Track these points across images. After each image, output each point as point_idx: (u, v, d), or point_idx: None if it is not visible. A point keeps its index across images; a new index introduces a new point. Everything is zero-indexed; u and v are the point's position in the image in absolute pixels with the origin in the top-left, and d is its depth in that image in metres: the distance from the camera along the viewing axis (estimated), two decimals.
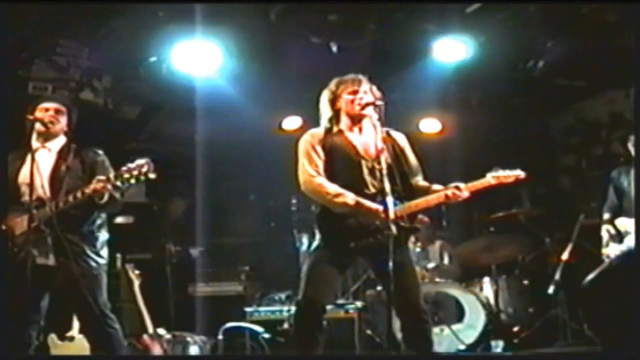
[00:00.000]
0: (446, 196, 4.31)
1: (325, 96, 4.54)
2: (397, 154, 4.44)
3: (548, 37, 7.15)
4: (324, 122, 4.52)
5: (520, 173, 4.48)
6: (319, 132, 4.48)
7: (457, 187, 4.31)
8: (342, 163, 4.37)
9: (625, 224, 5.73)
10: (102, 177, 4.39)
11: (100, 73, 7.40)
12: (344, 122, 4.47)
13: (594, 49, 7.20)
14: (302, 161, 4.38)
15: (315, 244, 4.37)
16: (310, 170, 4.33)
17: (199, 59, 6.96)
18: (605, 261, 5.67)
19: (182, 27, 6.68)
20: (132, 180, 4.33)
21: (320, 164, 4.35)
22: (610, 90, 8.30)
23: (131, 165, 4.33)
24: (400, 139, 4.57)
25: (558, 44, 7.21)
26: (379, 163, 4.17)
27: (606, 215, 5.93)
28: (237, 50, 7.02)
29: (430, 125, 8.77)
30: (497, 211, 7.28)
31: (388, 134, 4.43)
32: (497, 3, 6.68)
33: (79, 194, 4.40)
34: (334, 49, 7.14)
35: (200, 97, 7.59)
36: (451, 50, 7.11)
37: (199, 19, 6.53)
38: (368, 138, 4.41)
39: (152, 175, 4.32)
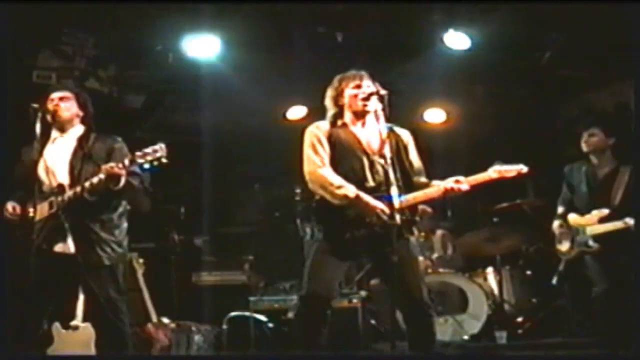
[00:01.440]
0: (445, 189, 4.30)
1: (328, 93, 4.57)
2: (400, 149, 4.45)
3: (554, 27, 7.12)
4: (329, 118, 4.56)
5: (522, 167, 4.45)
6: (324, 124, 4.52)
7: (457, 181, 4.31)
8: (345, 156, 4.38)
9: (576, 220, 5.76)
10: (116, 163, 4.39)
11: (106, 62, 7.40)
12: (348, 116, 4.50)
13: (600, 39, 7.17)
14: (308, 152, 4.40)
15: (314, 236, 4.40)
16: (317, 161, 4.34)
17: (204, 48, 6.96)
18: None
19: (187, 16, 6.67)
20: (147, 165, 4.36)
21: (326, 156, 4.37)
22: (617, 81, 8.25)
23: (146, 150, 4.36)
24: (405, 135, 4.57)
25: (564, 35, 7.18)
26: (382, 156, 4.22)
27: (560, 209, 5.97)
28: (242, 40, 7.02)
29: (435, 116, 8.76)
30: (501, 201, 7.27)
31: (392, 129, 4.43)
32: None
33: (95, 180, 4.41)
34: (340, 38, 7.13)
35: (205, 86, 7.59)
36: (457, 40, 7.09)
37: (205, 8, 6.53)
38: (371, 132, 4.44)
39: (165, 160, 4.34)
